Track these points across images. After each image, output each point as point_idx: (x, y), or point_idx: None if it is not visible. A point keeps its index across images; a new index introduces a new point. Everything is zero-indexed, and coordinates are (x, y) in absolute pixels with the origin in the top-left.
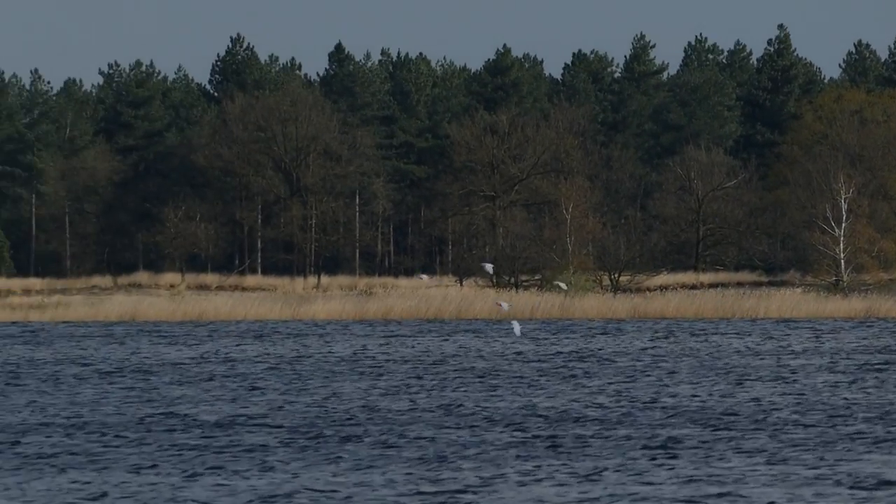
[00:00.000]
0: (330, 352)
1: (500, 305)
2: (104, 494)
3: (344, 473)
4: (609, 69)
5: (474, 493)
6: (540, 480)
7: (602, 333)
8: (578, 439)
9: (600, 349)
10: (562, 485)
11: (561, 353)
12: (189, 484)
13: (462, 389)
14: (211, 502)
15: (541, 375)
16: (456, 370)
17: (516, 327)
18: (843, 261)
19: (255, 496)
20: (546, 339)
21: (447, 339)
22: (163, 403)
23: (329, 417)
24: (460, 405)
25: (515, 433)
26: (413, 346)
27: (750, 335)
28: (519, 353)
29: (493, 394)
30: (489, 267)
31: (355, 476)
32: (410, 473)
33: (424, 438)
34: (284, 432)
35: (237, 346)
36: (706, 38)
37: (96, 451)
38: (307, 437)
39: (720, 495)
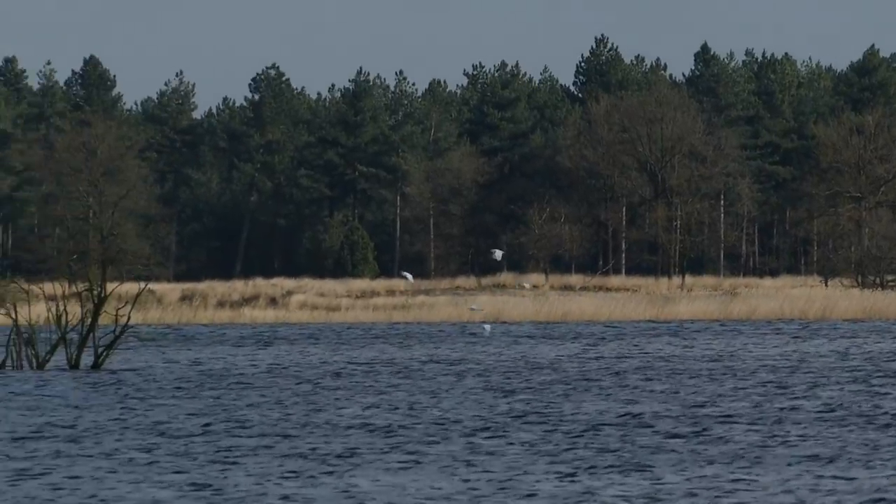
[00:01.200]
0: (702, 352)
1: (473, 309)
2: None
3: (732, 471)
4: None
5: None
6: None
7: None
8: None
9: None
10: None
11: None
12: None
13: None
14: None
15: None
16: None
17: (487, 328)
18: None
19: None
20: None
21: (806, 340)
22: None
23: (711, 416)
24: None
25: None
26: (784, 347)
27: None
28: None
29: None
30: (498, 253)
31: (740, 474)
32: (782, 476)
33: (805, 437)
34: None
35: (591, 346)
36: None
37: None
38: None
39: None
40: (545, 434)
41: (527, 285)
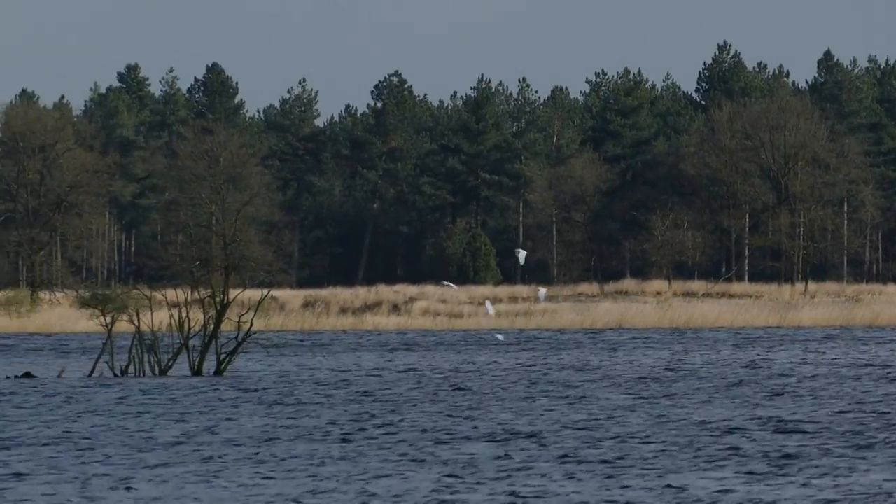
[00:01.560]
0: (833, 357)
1: (487, 309)
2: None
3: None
4: None
5: None
6: None
7: None
8: None
9: None
10: None
11: None
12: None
13: None
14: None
15: None
16: None
17: (500, 337)
18: None
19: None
20: None
21: None
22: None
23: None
24: None
25: None
26: None
27: None
28: None
29: None
30: (522, 253)
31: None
32: None
33: None
34: (822, 437)
35: (717, 352)
36: None
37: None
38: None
39: None
40: (693, 439)
41: (542, 289)
